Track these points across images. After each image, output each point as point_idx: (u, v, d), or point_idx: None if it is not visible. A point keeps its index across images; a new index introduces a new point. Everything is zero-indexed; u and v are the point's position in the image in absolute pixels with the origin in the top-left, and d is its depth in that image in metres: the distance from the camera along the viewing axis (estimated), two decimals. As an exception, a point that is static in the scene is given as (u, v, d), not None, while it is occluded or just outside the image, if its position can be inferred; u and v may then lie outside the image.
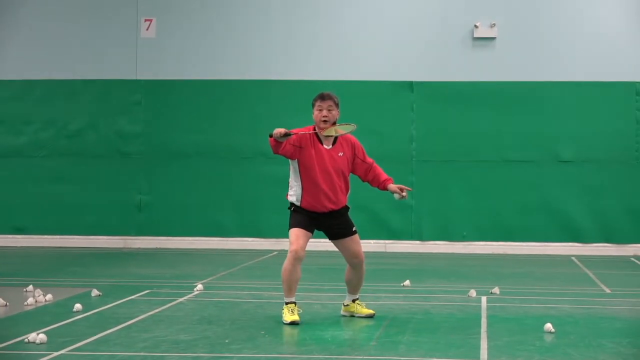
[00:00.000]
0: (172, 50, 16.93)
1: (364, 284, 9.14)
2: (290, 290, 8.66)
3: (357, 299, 9.13)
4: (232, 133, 16.73)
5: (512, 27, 16.41)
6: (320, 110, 8.71)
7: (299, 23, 16.80)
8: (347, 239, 8.83)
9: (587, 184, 16.21)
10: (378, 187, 9.00)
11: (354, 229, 8.88)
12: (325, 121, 8.67)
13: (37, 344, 7.53)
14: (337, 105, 8.75)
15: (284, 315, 8.67)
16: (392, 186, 8.91)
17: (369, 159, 8.96)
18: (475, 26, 16.40)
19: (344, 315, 9.14)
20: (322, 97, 8.72)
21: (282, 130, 8.50)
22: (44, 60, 17.05)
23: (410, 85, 16.50)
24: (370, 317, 9.00)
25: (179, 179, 16.83)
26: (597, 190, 16.20)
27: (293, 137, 8.60)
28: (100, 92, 16.97)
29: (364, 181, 9.07)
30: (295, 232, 8.68)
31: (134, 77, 16.92)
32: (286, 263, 8.63)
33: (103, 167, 16.91)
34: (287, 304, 8.68)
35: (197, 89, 16.84)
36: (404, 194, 8.82)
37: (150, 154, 16.88)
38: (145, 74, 16.92)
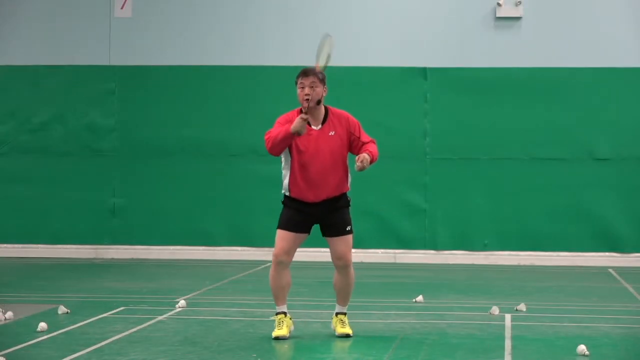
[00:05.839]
0: (151, 32, 16.94)
1: (350, 290, 9.02)
2: (277, 299, 8.88)
3: (343, 313, 9.07)
4: (219, 126, 16.74)
5: (540, 4, 16.42)
6: (302, 87, 8.77)
7: (296, 1, 16.81)
8: (336, 238, 8.87)
9: (627, 184, 16.22)
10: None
11: (348, 228, 8.89)
12: (307, 99, 8.69)
13: (-4, 369, 7.55)
14: (321, 81, 8.78)
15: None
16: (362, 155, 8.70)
17: (367, 137, 8.89)
18: (498, 4, 16.42)
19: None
20: (305, 74, 8.79)
21: (302, 118, 8.50)
22: (2, 43, 17.06)
23: (423, 72, 16.52)
24: (345, 337, 8.92)
25: (159, 179, 16.84)
26: (637, 192, 16.21)
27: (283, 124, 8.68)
28: (68, 79, 16.97)
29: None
30: (280, 235, 8.82)
31: (106, 63, 16.93)
32: (271, 269, 8.88)
33: (71, 165, 16.92)
34: (276, 314, 8.92)
35: (180, 76, 16.85)
36: (358, 163, 8.60)
37: (126, 150, 16.90)
38: (120, 58, 16.93)
